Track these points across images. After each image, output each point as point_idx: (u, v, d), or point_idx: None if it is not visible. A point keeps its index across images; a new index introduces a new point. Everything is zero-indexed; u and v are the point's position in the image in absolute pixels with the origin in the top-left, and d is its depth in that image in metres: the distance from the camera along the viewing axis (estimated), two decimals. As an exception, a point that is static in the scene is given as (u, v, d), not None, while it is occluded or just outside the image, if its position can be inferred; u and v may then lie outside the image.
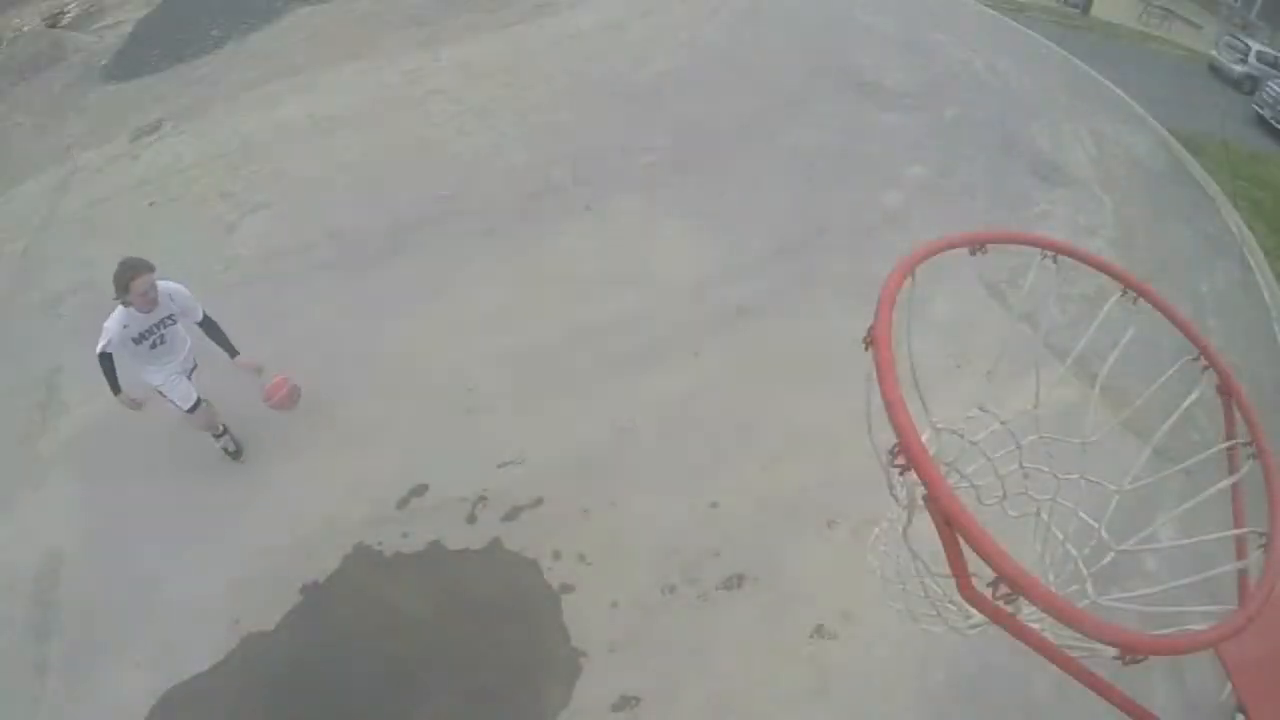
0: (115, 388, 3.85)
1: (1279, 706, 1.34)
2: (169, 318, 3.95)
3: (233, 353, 4.08)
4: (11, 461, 4.68)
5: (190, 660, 3.55)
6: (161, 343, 3.99)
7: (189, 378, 4.23)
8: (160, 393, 4.11)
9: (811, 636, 3.68)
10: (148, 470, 4.48)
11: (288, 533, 4.07)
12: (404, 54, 9.93)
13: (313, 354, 5.17)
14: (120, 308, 3.74)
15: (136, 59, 11.12)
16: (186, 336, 4.18)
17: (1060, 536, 1.83)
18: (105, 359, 3.78)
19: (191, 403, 4.17)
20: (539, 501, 4.24)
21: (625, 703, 3.41)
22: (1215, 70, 16.10)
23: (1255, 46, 15.72)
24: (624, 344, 5.26)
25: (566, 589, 3.81)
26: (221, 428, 4.43)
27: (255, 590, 3.81)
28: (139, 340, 3.85)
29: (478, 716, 3.38)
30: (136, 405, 3.96)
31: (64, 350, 5.46)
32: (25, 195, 8.06)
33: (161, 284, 3.78)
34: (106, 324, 3.77)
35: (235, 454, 4.53)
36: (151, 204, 7.24)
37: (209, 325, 4.05)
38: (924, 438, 1.21)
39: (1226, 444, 1.66)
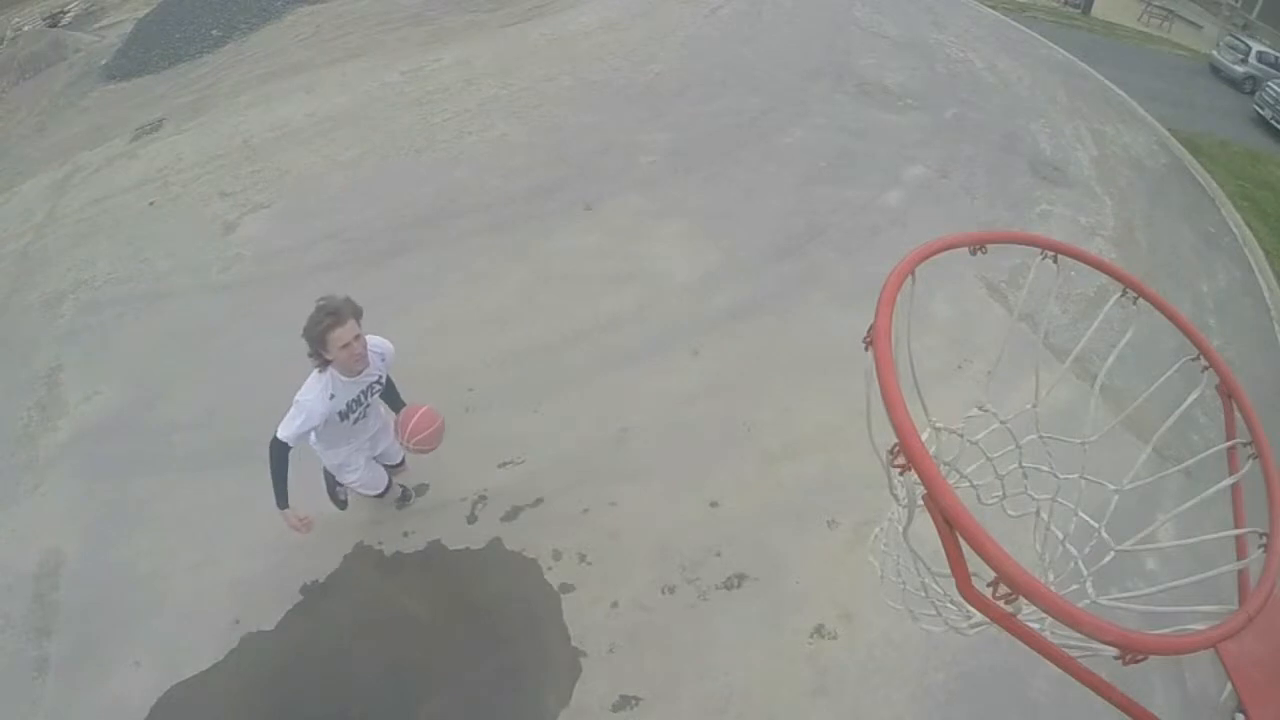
0: (284, 497, 2.87)
1: (1279, 707, 1.34)
2: (377, 382, 3.04)
3: (401, 406, 3.21)
4: (11, 461, 4.68)
5: (190, 660, 3.54)
6: (363, 416, 3.08)
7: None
8: (339, 471, 3.25)
9: (811, 636, 3.68)
10: (148, 470, 4.48)
11: (287, 533, 4.06)
12: (404, 53, 9.93)
13: (313, 354, 5.18)
14: (317, 373, 2.79)
15: (137, 59, 11.12)
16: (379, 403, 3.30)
17: (1060, 536, 1.83)
18: (280, 451, 2.76)
19: (383, 486, 3.39)
20: (539, 501, 4.24)
21: (625, 702, 3.41)
22: (1216, 70, 16.11)
23: (1256, 47, 15.73)
24: (624, 343, 5.26)
25: (566, 589, 3.81)
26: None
27: (255, 590, 3.81)
28: (345, 415, 2.90)
29: (478, 716, 3.38)
30: (307, 527, 3.02)
31: (64, 349, 5.47)
32: (25, 194, 8.07)
33: (370, 340, 2.89)
34: (303, 397, 2.76)
35: (404, 499, 3.99)
36: (152, 203, 7.24)
37: (388, 383, 3.18)
38: (924, 437, 1.21)
39: (1227, 444, 1.66)
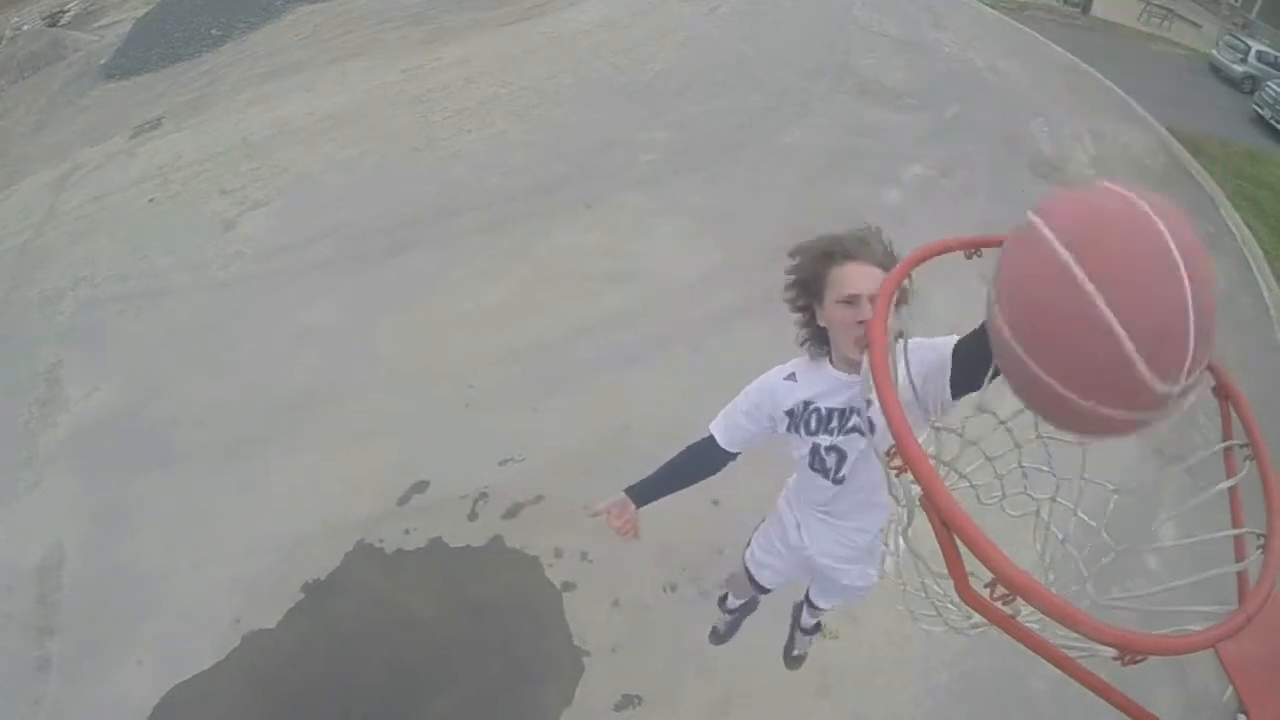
0: (644, 493, 1.75)
1: None
2: (860, 418, 1.62)
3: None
4: (12, 458, 4.68)
5: (191, 659, 3.55)
6: (838, 471, 1.69)
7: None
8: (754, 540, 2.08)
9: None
10: (148, 467, 4.49)
11: (289, 531, 4.07)
12: (404, 52, 9.93)
13: (312, 351, 5.18)
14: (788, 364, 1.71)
15: (136, 57, 11.12)
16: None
17: (1060, 536, 1.83)
18: (697, 446, 1.79)
19: (745, 594, 2.14)
20: (540, 499, 4.24)
21: (627, 702, 3.41)
22: (1215, 70, 16.10)
23: (1255, 46, 15.71)
24: (624, 341, 5.26)
25: (568, 587, 3.81)
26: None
27: (256, 588, 3.81)
28: (799, 426, 1.68)
29: (478, 716, 3.38)
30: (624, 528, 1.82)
31: (64, 346, 5.47)
32: (25, 192, 8.07)
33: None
34: (758, 385, 1.75)
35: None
36: (151, 201, 7.24)
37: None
38: (922, 438, 1.21)
39: (1223, 445, 1.66)
